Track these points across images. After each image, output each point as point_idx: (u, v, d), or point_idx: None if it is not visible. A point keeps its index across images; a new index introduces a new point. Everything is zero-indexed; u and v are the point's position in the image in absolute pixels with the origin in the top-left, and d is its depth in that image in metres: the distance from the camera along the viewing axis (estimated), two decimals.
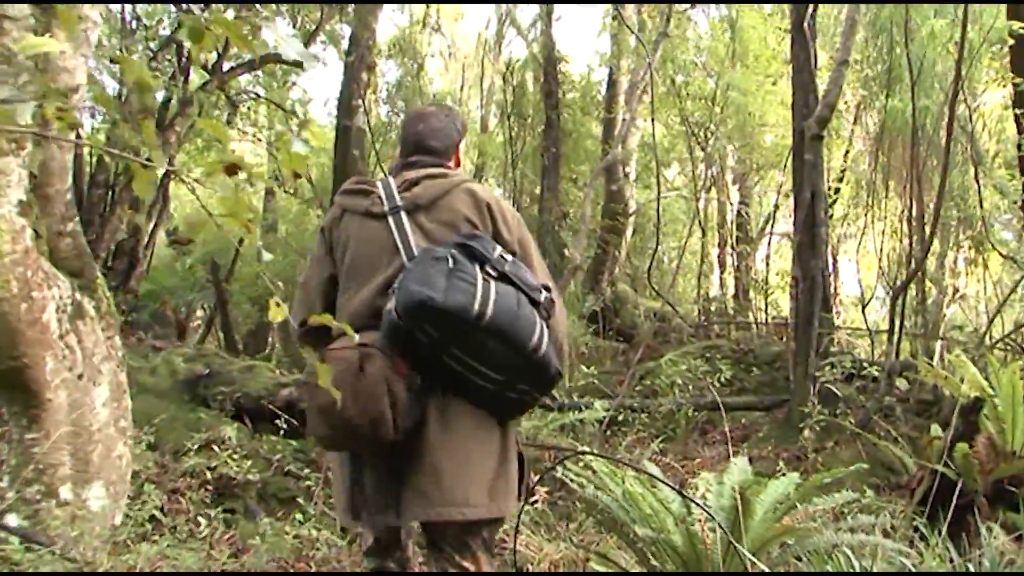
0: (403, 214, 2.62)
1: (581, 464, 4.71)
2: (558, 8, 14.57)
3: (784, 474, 6.23)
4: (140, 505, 5.19)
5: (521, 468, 2.69)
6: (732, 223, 15.97)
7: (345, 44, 13.35)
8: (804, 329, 8.12)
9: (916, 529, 4.59)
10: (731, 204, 14.70)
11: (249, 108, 15.26)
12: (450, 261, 2.39)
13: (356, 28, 12.58)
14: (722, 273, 16.37)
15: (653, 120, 9.18)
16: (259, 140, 18.49)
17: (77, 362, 4.63)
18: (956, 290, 14.46)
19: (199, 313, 18.95)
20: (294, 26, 14.05)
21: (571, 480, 4.28)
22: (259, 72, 14.50)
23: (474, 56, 20.52)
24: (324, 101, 17.21)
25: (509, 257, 2.54)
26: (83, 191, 10.71)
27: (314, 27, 12.25)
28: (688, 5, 13.28)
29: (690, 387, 8.50)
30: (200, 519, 5.39)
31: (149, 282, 14.99)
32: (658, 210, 11.40)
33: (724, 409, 8.64)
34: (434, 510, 2.44)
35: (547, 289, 2.56)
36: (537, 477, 5.82)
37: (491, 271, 2.44)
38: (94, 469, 4.68)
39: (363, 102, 12.56)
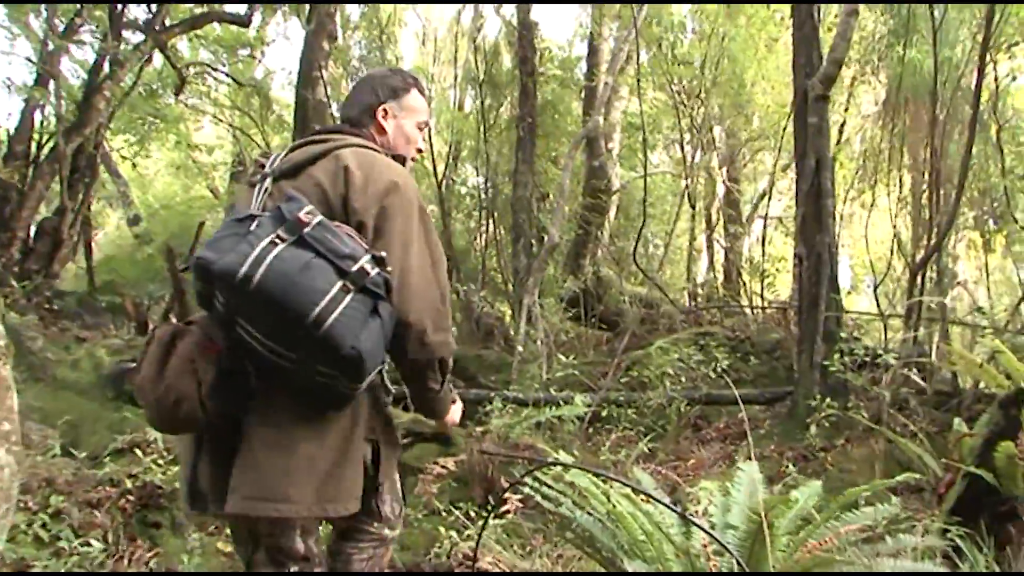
0: (268, 181, 2.53)
1: (555, 473, 3.96)
2: None
3: (792, 476, 5.49)
4: (44, 521, 4.63)
5: (374, 473, 2.55)
6: (722, 203, 15.19)
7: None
8: (809, 312, 7.41)
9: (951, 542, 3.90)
10: (722, 181, 13.86)
11: (206, 84, 14.47)
12: (253, 224, 2.28)
13: None
14: (711, 256, 15.61)
15: (639, 83, 8.29)
16: (220, 120, 17.68)
17: None
18: (955, 275, 13.81)
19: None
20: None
21: (542, 497, 3.50)
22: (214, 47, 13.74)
23: (448, 33, 19.85)
24: (287, 78, 16.27)
25: (316, 221, 2.29)
26: None
27: None
28: None
29: (682, 378, 7.72)
30: (117, 535, 4.81)
31: (107, 273, 14.19)
32: (644, 186, 10.59)
33: (720, 403, 7.91)
34: (248, 503, 2.32)
35: (380, 262, 2.31)
36: (506, 485, 5.09)
37: (284, 235, 2.24)
38: None
39: (323, 73, 11.69)
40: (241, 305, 2.25)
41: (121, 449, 5.64)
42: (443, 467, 5.66)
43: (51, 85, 10.12)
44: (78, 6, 9.62)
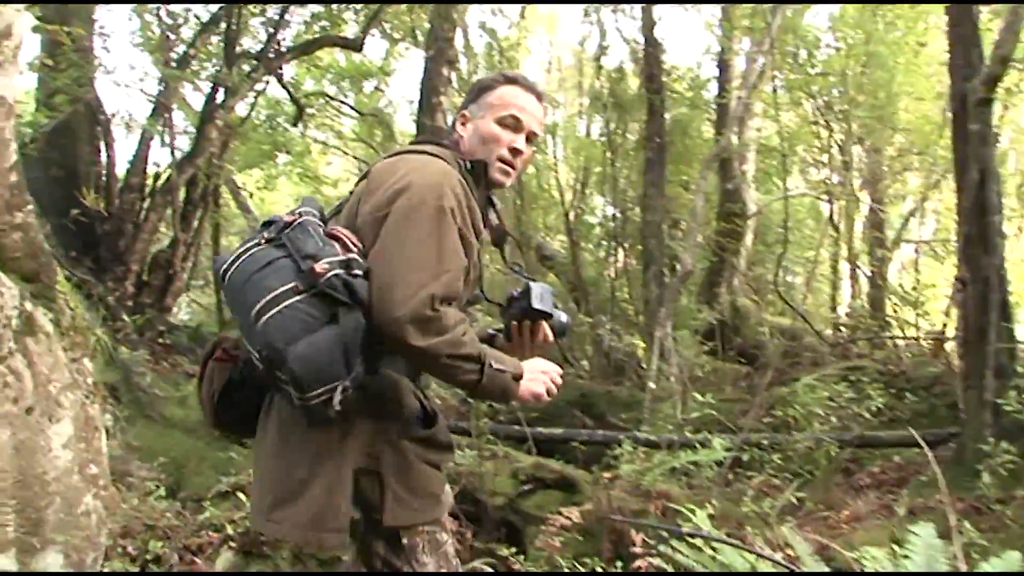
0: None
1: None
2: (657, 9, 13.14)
3: (970, 539, 4.84)
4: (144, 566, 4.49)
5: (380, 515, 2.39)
6: (866, 226, 14.25)
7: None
8: (976, 344, 6.62)
9: None
10: (867, 203, 12.94)
11: (329, 117, 14.58)
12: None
13: (434, 20, 11.54)
14: (853, 284, 14.65)
15: (775, 92, 7.66)
16: (345, 152, 17.86)
17: (25, 392, 3.71)
18: None
19: None
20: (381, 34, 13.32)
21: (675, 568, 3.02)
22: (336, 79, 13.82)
23: (574, 58, 19.63)
24: (411, 108, 16.28)
25: (298, 222, 2.31)
26: (113, 196, 10.01)
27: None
28: None
29: (832, 418, 7.03)
30: None
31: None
32: (785, 208, 9.89)
33: (875, 445, 7.20)
34: (255, 518, 2.48)
35: (346, 266, 2.21)
36: (638, 541, 4.62)
37: (269, 235, 2.31)
38: (49, 530, 3.71)
39: (443, 100, 11.54)
40: (228, 305, 2.36)
41: (225, 492, 5.45)
42: (567, 518, 5.20)
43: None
44: (193, 35, 9.77)
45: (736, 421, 7.72)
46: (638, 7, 12.44)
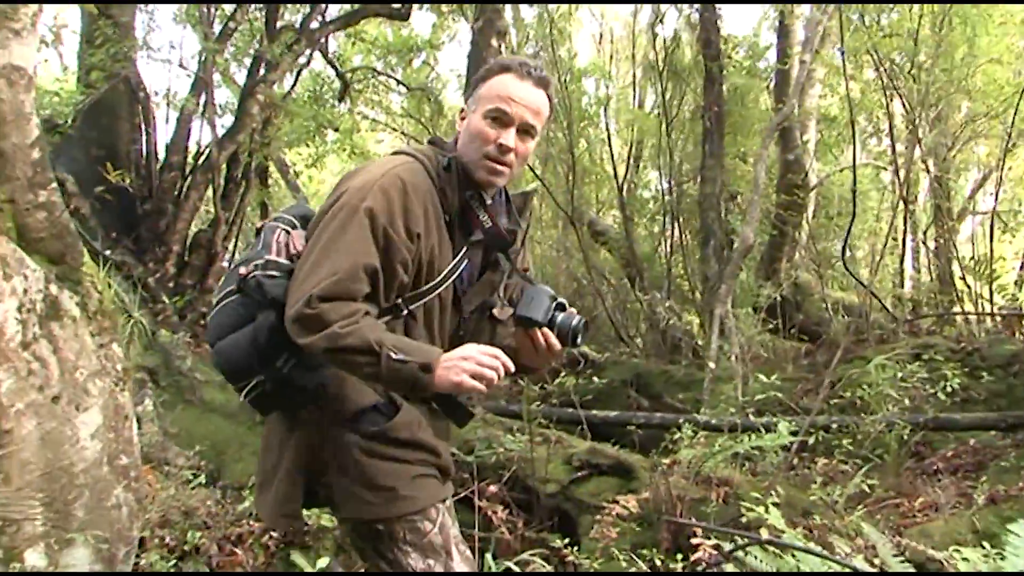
0: None
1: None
2: None
3: None
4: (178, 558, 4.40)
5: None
6: (931, 196, 13.64)
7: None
8: None
9: None
10: (931, 173, 12.33)
11: (376, 92, 14.34)
12: None
13: None
14: (918, 258, 14.05)
15: (843, 52, 7.16)
16: (393, 128, 17.64)
17: (51, 379, 3.56)
18: None
19: None
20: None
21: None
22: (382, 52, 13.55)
23: (625, 30, 19.19)
24: (459, 82, 16.00)
25: (262, 226, 2.57)
26: (153, 174, 9.91)
27: None
28: None
29: (905, 399, 6.66)
30: None
31: None
32: (854, 176, 9.37)
33: (949, 428, 6.83)
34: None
35: (264, 268, 2.36)
36: (697, 531, 4.36)
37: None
38: (77, 524, 3.57)
39: None
40: None
41: None
42: (624, 506, 4.95)
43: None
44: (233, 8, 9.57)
45: (798, 402, 7.38)
46: None
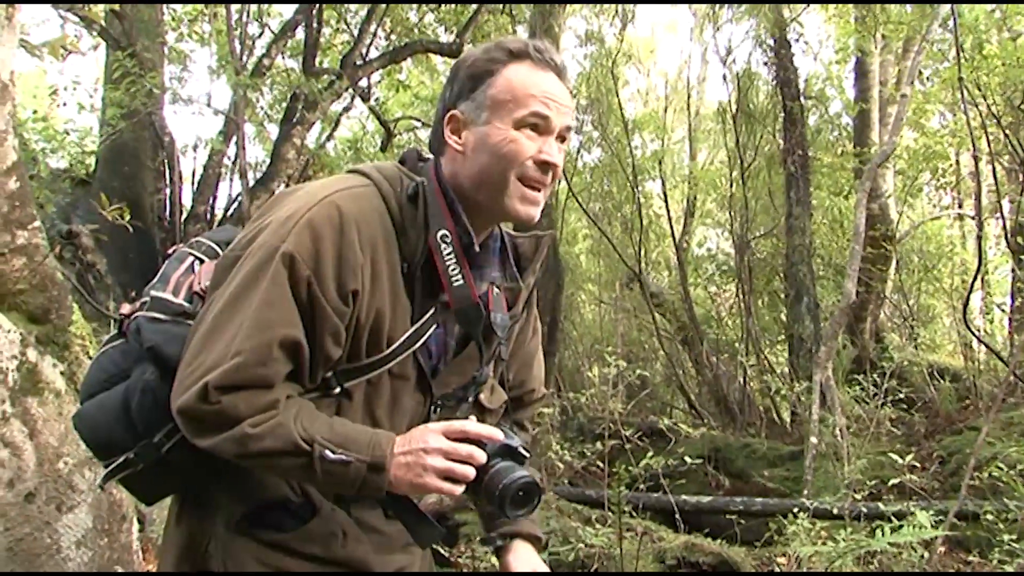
0: None
1: None
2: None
3: None
4: None
5: None
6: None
7: None
8: None
9: None
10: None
11: (417, 139, 13.85)
12: None
13: (532, 22, 10.56)
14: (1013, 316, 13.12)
15: (962, 84, 6.34)
16: None
17: (24, 472, 2.89)
18: None
19: None
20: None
21: None
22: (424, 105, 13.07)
23: (675, 82, 18.77)
24: None
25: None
26: (177, 226, 9.29)
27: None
28: None
29: None
30: None
31: None
32: (979, 224, 8.44)
33: None
34: None
35: (151, 307, 1.79)
36: None
37: None
38: None
39: None
40: None
41: None
42: None
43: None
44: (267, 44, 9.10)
45: (920, 483, 6.44)
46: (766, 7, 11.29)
